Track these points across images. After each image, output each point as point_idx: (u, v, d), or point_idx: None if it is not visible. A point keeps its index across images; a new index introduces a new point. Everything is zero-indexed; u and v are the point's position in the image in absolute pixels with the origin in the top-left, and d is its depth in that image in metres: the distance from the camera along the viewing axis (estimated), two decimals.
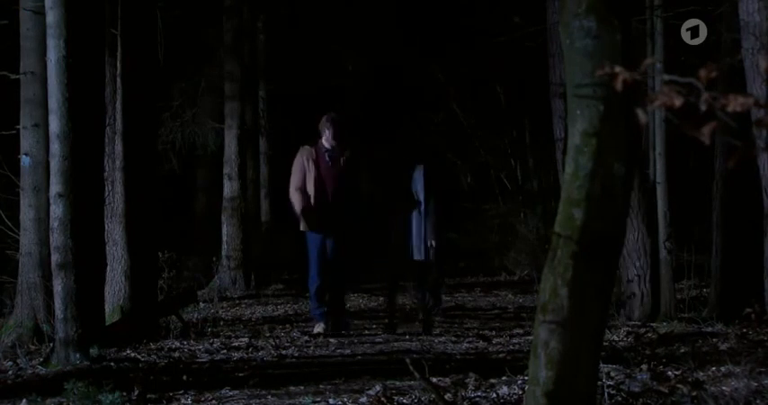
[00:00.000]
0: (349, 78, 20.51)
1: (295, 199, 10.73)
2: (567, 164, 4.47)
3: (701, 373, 6.90)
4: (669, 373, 6.70)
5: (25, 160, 10.07)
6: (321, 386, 7.36)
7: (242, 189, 16.15)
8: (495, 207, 20.86)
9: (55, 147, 8.67)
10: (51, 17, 8.67)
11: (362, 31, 20.27)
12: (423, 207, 10.71)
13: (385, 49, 20.40)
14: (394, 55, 20.44)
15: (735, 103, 2.96)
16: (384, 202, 10.96)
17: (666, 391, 5.86)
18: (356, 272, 11.26)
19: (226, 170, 16.10)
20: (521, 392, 6.55)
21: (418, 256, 10.67)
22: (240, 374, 7.97)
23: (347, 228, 10.76)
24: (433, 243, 10.66)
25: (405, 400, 6.57)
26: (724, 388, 6.26)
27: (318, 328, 10.61)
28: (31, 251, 10.06)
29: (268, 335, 10.48)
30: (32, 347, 9.52)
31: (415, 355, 8.43)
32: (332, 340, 10.03)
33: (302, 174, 10.71)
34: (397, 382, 7.14)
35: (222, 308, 13.77)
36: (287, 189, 10.93)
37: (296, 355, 9.16)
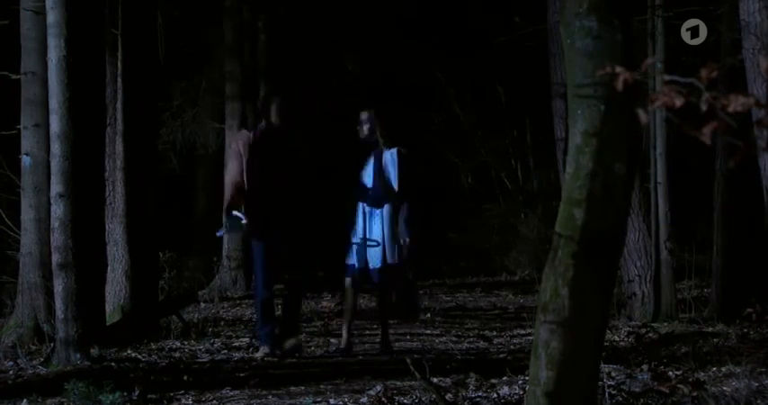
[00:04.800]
0: (349, 78, 20.51)
1: (226, 193, 9.11)
2: (567, 164, 4.47)
3: (702, 374, 6.91)
4: (670, 373, 6.69)
5: (26, 160, 10.07)
6: (322, 386, 7.36)
7: None
8: (495, 207, 20.86)
9: (55, 147, 8.67)
10: (52, 17, 8.67)
11: (363, 31, 20.26)
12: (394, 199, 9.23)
13: (385, 49, 20.39)
14: (394, 55, 20.43)
15: (736, 104, 2.96)
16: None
17: (667, 391, 5.86)
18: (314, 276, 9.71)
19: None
20: (521, 392, 6.55)
21: (391, 259, 9.13)
22: (241, 374, 7.96)
23: (300, 223, 9.06)
24: (407, 240, 9.16)
25: (405, 400, 6.57)
26: (725, 388, 6.27)
27: (262, 351, 8.97)
28: (32, 251, 10.05)
29: None
30: (33, 347, 9.52)
31: (415, 356, 8.43)
32: (332, 340, 10.02)
33: (239, 163, 9.04)
34: (398, 383, 7.14)
35: (223, 308, 13.77)
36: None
37: (296, 354, 9.15)
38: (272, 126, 9.11)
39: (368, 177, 9.28)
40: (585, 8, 4.42)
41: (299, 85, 18.01)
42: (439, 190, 20.23)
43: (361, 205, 9.26)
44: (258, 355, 8.93)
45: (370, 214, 9.26)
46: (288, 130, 9.12)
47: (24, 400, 7.00)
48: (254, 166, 8.97)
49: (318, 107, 17.16)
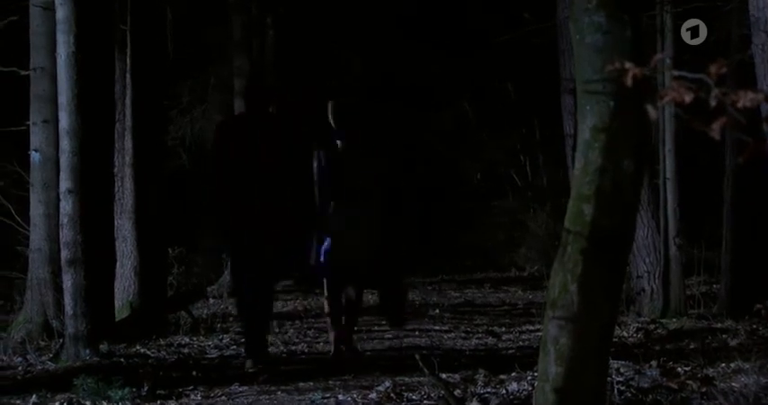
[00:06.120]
0: (349, 78, 20.52)
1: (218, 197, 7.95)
2: (576, 160, 4.47)
3: (711, 370, 6.90)
4: (679, 369, 6.70)
5: (35, 156, 10.08)
6: (330, 382, 7.37)
7: None
8: (504, 203, 20.85)
9: (64, 143, 8.68)
10: (61, 13, 8.68)
11: (363, 30, 20.27)
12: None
13: (385, 49, 20.40)
14: (394, 55, 20.44)
15: (745, 99, 2.95)
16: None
17: (676, 387, 5.86)
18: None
19: None
20: (530, 388, 6.54)
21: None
22: (250, 370, 7.96)
23: (289, 220, 8.02)
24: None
25: (414, 396, 6.57)
26: (734, 384, 6.26)
27: (249, 363, 7.90)
28: (41, 247, 10.07)
29: (277, 331, 10.48)
30: (42, 343, 9.53)
31: (424, 352, 8.43)
32: None
33: (224, 157, 7.93)
34: (407, 378, 7.14)
35: (231, 303, 13.76)
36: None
37: (305, 350, 9.17)
38: (248, 115, 8.38)
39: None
40: (595, 4, 4.41)
41: (302, 83, 18.03)
42: (447, 188, 20.24)
43: None
44: (247, 367, 7.88)
45: None
46: (266, 118, 8.12)
47: (33, 396, 7.00)
48: (237, 158, 7.90)
49: (318, 107, 17.13)
